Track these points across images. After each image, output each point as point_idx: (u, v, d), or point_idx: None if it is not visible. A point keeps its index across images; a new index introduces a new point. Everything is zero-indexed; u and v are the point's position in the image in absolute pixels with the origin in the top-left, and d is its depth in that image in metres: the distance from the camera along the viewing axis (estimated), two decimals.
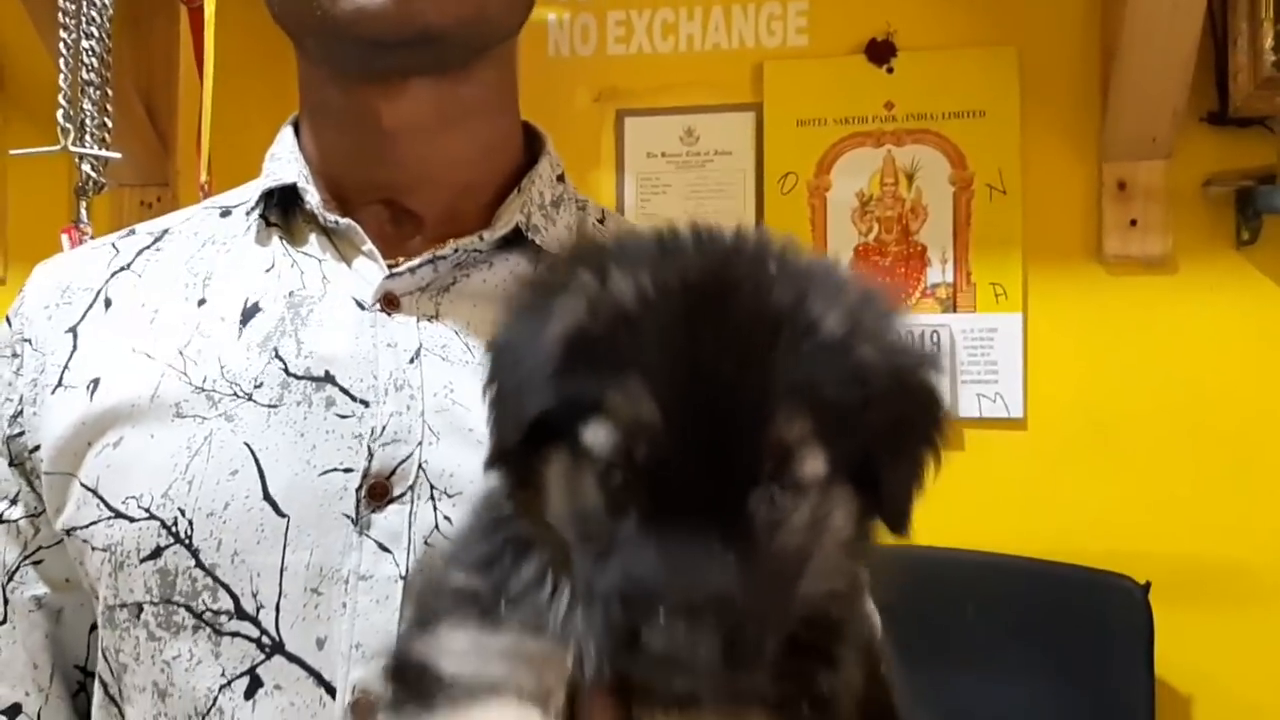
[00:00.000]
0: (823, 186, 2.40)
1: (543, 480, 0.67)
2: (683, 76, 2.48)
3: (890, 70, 2.37)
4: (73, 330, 1.01)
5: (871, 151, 2.38)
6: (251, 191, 1.05)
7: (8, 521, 1.01)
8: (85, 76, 2.11)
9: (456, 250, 0.98)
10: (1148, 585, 2.05)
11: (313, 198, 1.01)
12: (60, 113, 2.08)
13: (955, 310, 2.32)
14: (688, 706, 0.65)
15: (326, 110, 1.03)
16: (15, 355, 1.02)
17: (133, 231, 1.08)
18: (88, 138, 2.11)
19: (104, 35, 2.10)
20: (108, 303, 1.02)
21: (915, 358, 0.69)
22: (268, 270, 1.01)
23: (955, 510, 2.25)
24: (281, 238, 1.03)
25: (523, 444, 0.67)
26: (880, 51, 2.38)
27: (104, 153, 2.10)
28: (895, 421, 0.65)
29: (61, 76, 2.09)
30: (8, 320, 1.04)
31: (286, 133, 1.08)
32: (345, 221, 1.00)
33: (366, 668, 0.86)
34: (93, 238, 2.11)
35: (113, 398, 0.95)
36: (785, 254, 0.67)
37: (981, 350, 2.30)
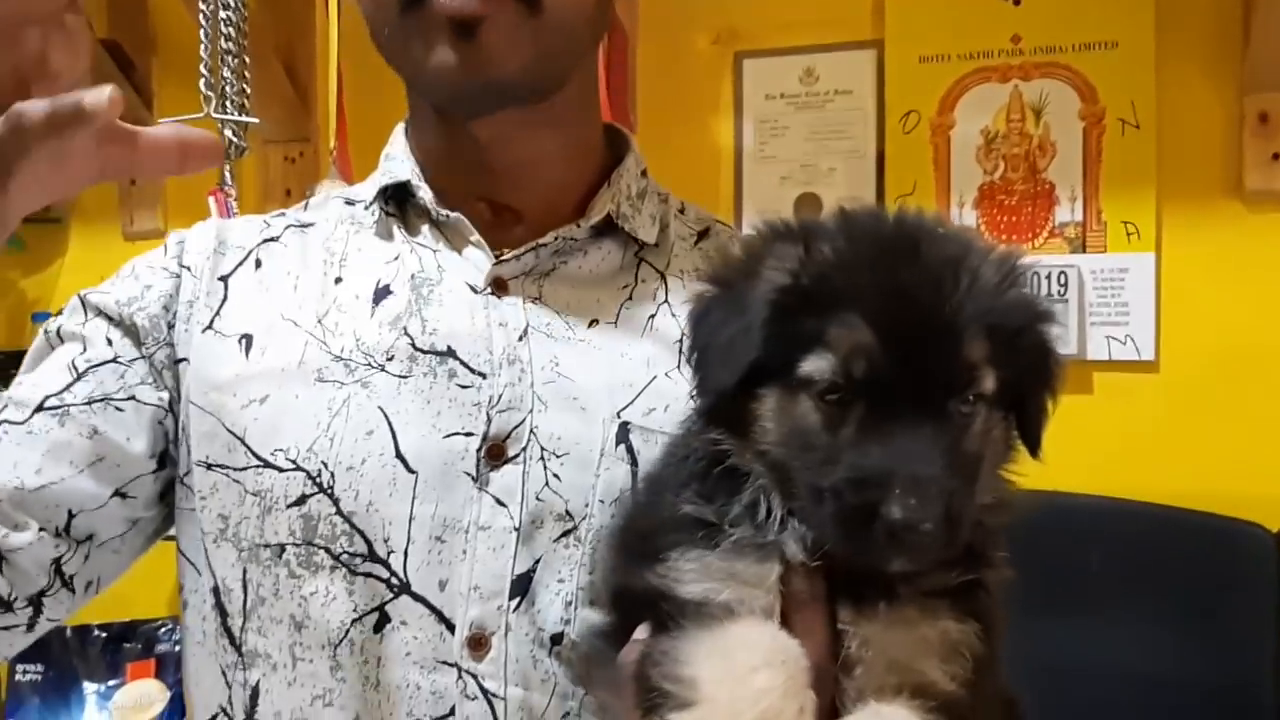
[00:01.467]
0: (946, 125, 2.35)
1: (754, 417, 0.82)
2: (801, 15, 2.45)
3: (1017, 2, 2.29)
4: (224, 279, 1.13)
5: (997, 87, 2.32)
6: (371, 186, 1.17)
7: (122, 363, 1.09)
8: (224, 45, 2.22)
9: (556, 239, 1.10)
10: (1279, 533, 2.00)
11: (425, 194, 1.13)
12: (202, 81, 2.20)
13: (1085, 250, 2.26)
14: (886, 587, 0.79)
15: (429, 124, 1.15)
16: (175, 275, 1.13)
17: (282, 214, 1.21)
18: (228, 104, 2.23)
19: (240, 5, 2.21)
20: (258, 263, 1.14)
21: (1046, 308, 0.85)
22: (394, 257, 1.12)
23: (1084, 454, 2.22)
24: (399, 227, 1.15)
25: (735, 389, 0.81)
26: None
27: (244, 118, 2.22)
28: (1036, 356, 0.82)
29: (202, 46, 2.20)
30: (169, 246, 1.16)
31: (399, 133, 1.19)
32: (455, 215, 1.11)
33: (482, 607, 0.99)
34: (236, 200, 2.25)
35: (266, 361, 1.07)
36: (943, 222, 0.85)
37: (1112, 291, 2.24)
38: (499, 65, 1.03)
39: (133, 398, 1.07)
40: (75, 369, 1.06)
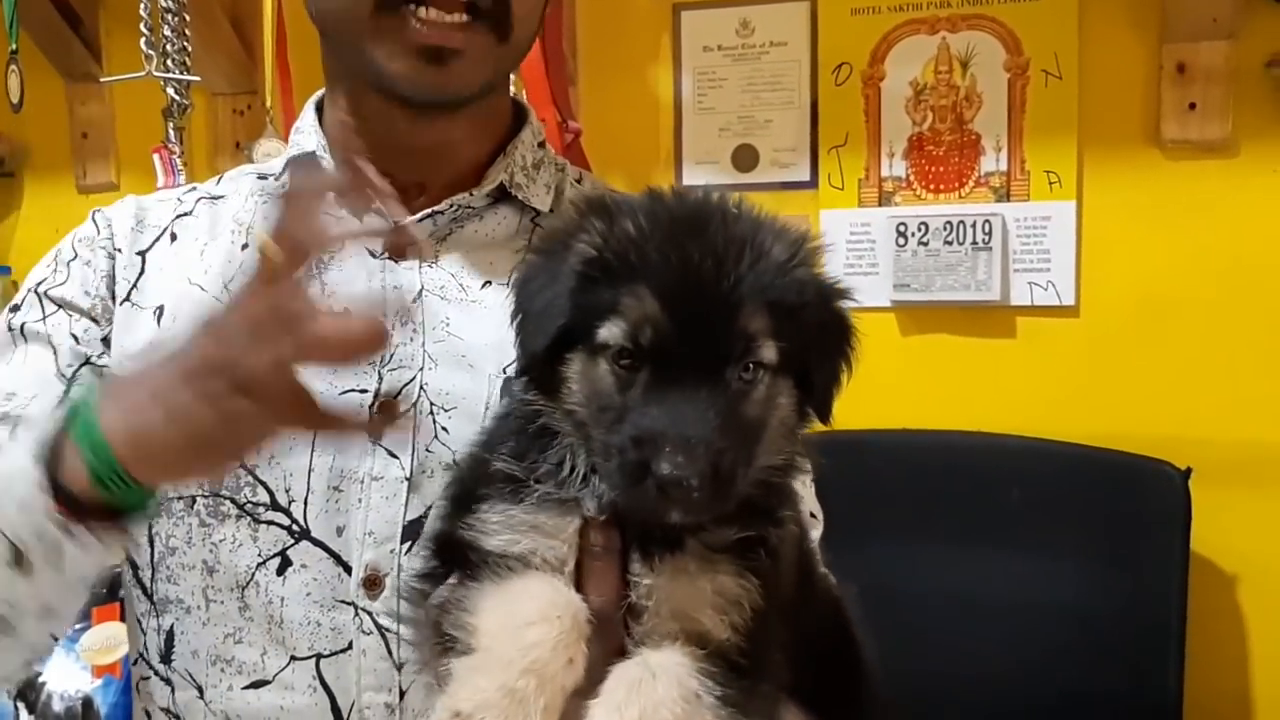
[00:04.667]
0: (877, 76, 2.40)
1: (562, 378, 0.89)
2: None
3: None
4: (142, 254, 1.20)
5: (925, 39, 2.37)
6: (280, 161, 1.25)
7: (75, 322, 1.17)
8: (164, 3, 2.25)
9: (451, 206, 1.18)
10: (1188, 471, 2.09)
11: (328, 164, 1.19)
12: (143, 40, 2.23)
13: (1009, 199, 2.33)
14: (675, 542, 0.86)
15: (348, 101, 1.21)
16: (110, 256, 1.20)
17: (194, 188, 1.28)
18: (169, 62, 2.26)
19: None
20: (173, 236, 1.21)
21: (836, 286, 0.92)
22: None
23: (1005, 396, 2.33)
24: None
25: (547, 352, 0.88)
26: None
27: (184, 76, 2.26)
28: (822, 329, 0.89)
29: (142, 5, 2.23)
30: (98, 224, 1.22)
31: (309, 108, 1.26)
32: None
33: (376, 551, 1.08)
34: (181, 157, 2.29)
35: (176, 327, 1.12)
36: (741, 203, 0.91)
37: (1034, 238, 2.31)
38: (464, 86, 1.12)
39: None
40: (64, 376, 1.13)
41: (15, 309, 1.18)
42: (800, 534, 0.98)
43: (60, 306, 1.17)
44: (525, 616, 0.82)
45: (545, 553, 0.87)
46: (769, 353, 0.85)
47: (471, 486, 0.93)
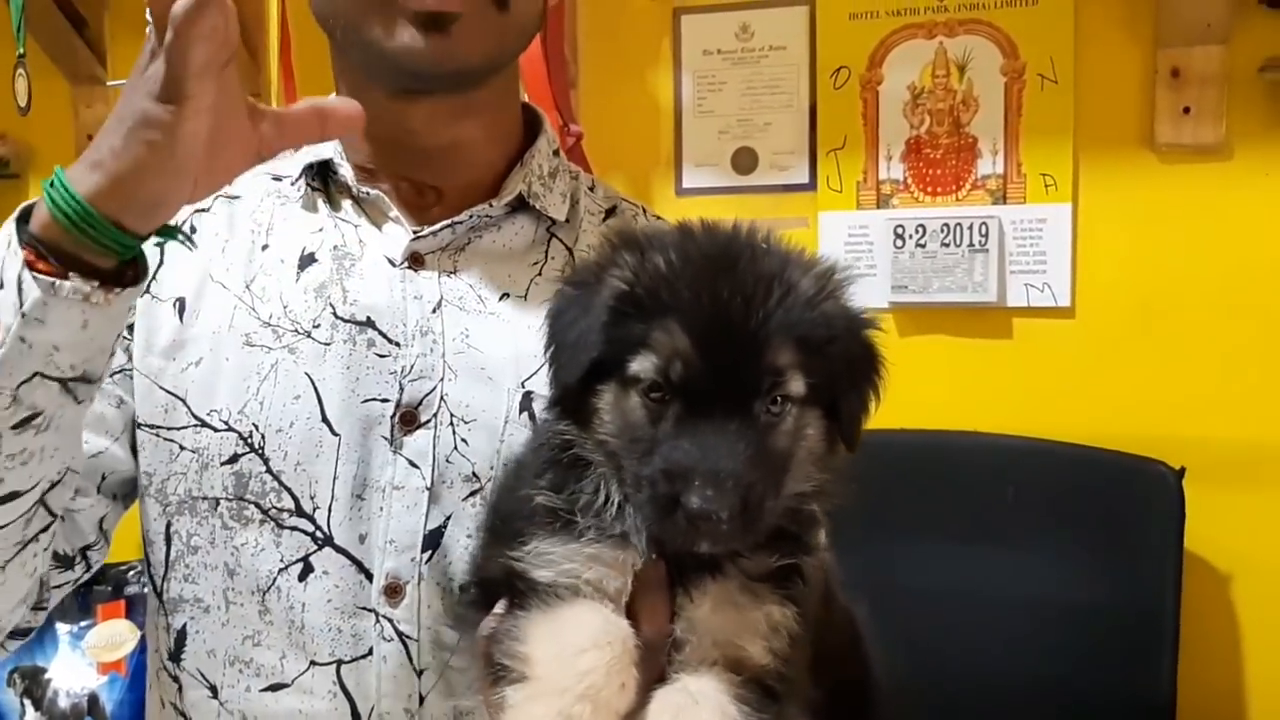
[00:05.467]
0: (875, 80, 2.43)
1: (595, 410, 0.91)
2: None
3: None
4: (160, 244, 1.19)
5: (923, 43, 2.39)
6: (296, 163, 1.24)
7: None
8: None
9: (471, 216, 1.18)
10: (1183, 470, 2.11)
11: (347, 172, 1.20)
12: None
13: (1005, 202, 2.36)
14: (716, 571, 0.88)
15: (362, 105, 1.19)
16: None
17: None
18: None
19: None
20: (192, 229, 1.20)
21: (864, 316, 0.94)
22: (318, 229, 1.19)
23: (1002, 397, 2.35)
24: (324, 202, 1.21)
25: (580, 383, 0.91)
26: None
27: None
28: (850, 361, 0.91)
29: (147, 10, 2.25)
30: None
31: None
32: (375, 192, 1.19)
33: (397, 559, 1.09)
34: None
35: (199, 326, 1.15)
36: (770, 238, 0.93)
37: (1031, 240, 2.34)
38: (465, 56, 1.11)
39: (135, 367, 1.16)
40: None
41: None
42: (827, 560, 1.00)
43: None
44: (578, 644, 0.84)
45: (606, 584, 0.89)
46: (796, 386, 0.86)
47: (510, 518, 0.95)
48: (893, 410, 2.51)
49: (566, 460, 0.93)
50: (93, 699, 2.50)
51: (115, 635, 2.59)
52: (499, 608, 0.93)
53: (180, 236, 1.00)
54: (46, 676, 2.53)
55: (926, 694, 2.05)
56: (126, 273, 0.92)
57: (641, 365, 0.86)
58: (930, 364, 2.41)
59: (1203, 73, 2.20)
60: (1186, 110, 2.22)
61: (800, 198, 2.49)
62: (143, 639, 2.60)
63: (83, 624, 2.60)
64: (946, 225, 2.37)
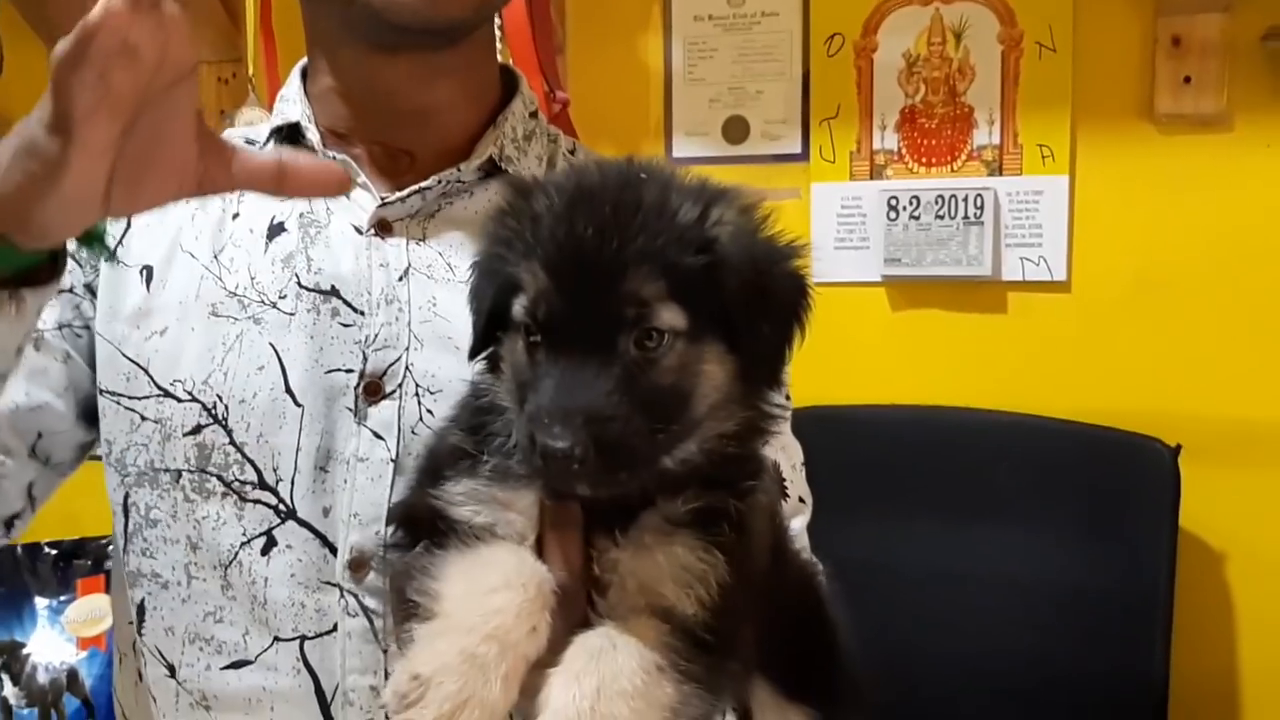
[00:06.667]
0: (869, 47, 2.38)
1: (501, 356, 0.90)
2: None
3: None
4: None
5: (919, 10, 2.34)
6: (267, 127, 1.20)
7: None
8: None
9: (440, 181, 1.14)
10: (1178, 448, 2.08)
11: (313, 135, 1.16)
12: None
13: (1001, 173, 2.31)
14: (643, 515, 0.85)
15: (333, 63, 1.17)
16: None
17: None
18: None
19: None
20: None
21: (773, 244, 0.87)
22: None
23: (996, 372, 2.32)
24: None
25: (484, 333, 0.90)
26: None
27: None
28: (752, 292, 0.83)
29: None
30: None
31: (294, 76, 1.22)
32: (341, 157, 1.15)
33: (362, 533, 1.06)
34: None
35: (166, 295, 1.12)
36: (662, 168, 0.88)
37: (1026, 213, 2.29)
38: (457, 8, 1.08)
39: (87, 326, 1.13)
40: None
41: None
42: (770, 507, 0.96)
43: None
44: (489, 583, 0.81)
45: (504, 526, 0.87)
46: (670, 317, 0.82)
47: (433, 458, 0.94)
48: (885, 385, 2.49)
49: (484, 405, 0.92)
50: (72, 674, 2.48)
51: (95, 610, 2.56)
52: (420, 548, 0.90)
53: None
54: (25, 651, 2.50)
55: (913, 670, 2.03)
56: (40, 273, 0.85)
57: (517, 309, 0.85)
58: (924, 339, 2.37)
59: (1204, 41, 2.15)
60: (1187, 80, 2.17)
61: (792, 168, 2.44)
62: None
63: (62, 598, 2.58)
64: (941, 197, 2.32)
